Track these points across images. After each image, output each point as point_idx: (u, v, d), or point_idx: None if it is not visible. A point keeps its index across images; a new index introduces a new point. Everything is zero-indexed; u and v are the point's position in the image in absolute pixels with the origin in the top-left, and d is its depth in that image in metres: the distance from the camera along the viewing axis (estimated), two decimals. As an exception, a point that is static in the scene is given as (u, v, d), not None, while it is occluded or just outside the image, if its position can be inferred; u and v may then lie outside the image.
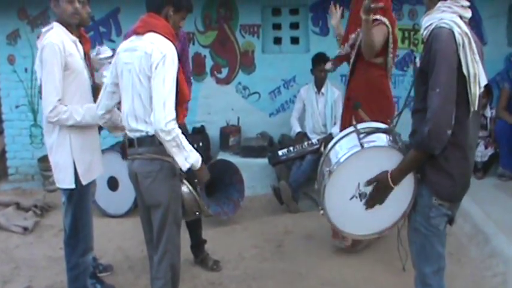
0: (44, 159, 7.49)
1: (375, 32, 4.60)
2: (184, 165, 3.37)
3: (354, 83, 5.02)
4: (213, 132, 7.77)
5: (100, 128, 4.16)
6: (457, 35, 2.63)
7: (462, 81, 2.66)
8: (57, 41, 3.71)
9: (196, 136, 7.34)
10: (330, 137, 6.58)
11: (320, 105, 7.06)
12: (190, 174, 3.63)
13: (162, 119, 3.23)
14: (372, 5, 4.17)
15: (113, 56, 4.24)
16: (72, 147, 3.86)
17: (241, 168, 6.32)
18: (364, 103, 4.87)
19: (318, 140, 6.67)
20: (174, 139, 3.28)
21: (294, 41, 7.89)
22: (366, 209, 2.92)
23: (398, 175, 2.80)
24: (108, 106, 3.70)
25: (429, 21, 2.78)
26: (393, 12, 5.08)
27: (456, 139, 2.71)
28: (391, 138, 2.93)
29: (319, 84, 7.07)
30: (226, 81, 7.95)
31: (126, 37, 3.88)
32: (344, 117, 5.21)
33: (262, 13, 7.79)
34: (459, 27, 2.67)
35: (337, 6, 5.43)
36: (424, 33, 2.80)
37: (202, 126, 7.77)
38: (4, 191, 7.75)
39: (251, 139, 7.60)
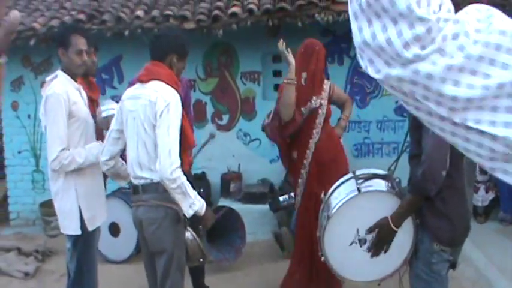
0: (45, 205, 7.52)
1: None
2: (189, 212, 3.39)
3: (322, 146, 4.90)
4: (214, 179, 7.78)
5: (106, 176, 4.20)
6: None
7: None
8: (61, 90, 3.76)
9: (197, 182, 7.31)
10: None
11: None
12: (193, 221, 3.65)
13: (168, 167, 3.26)
14: None
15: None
16: (77, 194, 3.88)
17: (242, 215, 6.33)
18: (336, 159, 4.91)
19: (318, 186, 6.68)
20: (179, 187, 3.31)
21: (295, 87, 7.92)
22: (372, 256, 2.94)
23: (398, 219, 2.82)
24: (112, 152, 3.73)
25: None
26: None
27: (453, 181, 2.74)
28: (389, 183, 2.97)
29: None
30: (227, 127, 8.01)
31: (131, 85, 3.94)
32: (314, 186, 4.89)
33: (262, 60, 7.88)
34: None
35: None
36: None
37: (203, 172, 7.79)
38: (5, 236, 7.73)
39: (252, 185, 7.63)
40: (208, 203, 7.04)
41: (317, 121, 4.88)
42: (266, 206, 6.96)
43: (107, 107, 4.15)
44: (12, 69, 8.14)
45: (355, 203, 2.91)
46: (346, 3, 6.38)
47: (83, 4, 7.89)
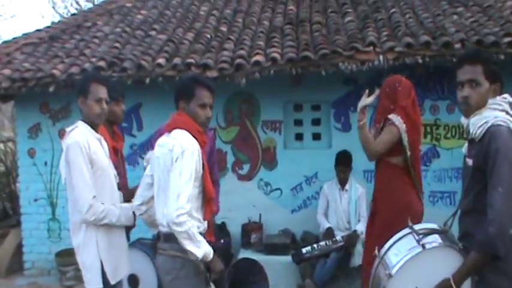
0: (61, 254, 7.42)
1: (382, 133, 4.67)
2: (197, 254, 3.33)
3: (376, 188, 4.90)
4: (235, 229, 7.61)
5: (129, 227, 4.11)
6: None
7: None
8: (81, 139, 3.72)
9: (218, 233, 7.19)
10: (354, 234, 6.51)
11: (344, 202, 6.96)
12: (217, 278, 3.57)
13: (174, 211, 3.25)
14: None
15: None
16: (99, 247, 3.81)
17: (263, 266, 6.17)
18: (382, 206, 4.71)
19: (342, 237, 6.56)
20: (185, 231, 3.28)
21: (316, 137, 7.88)
22: None
23: (461, 279, 2.71)
24: (144, 197, 3.75)
25: (482, 119, 2.74)
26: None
27: None
28: (448, 239, 2.86)
29: (342, 181, 7.02)
30: (248, 177, 7.89)
31: (157, 133, 3.94)
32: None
33: (284, 109, 7.83)
34: None
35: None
36: (477, 131, 2.75)
37: (223, 222, 7.62)
38: (19, 285, 7.64)
39: (273, 236, 7.46)
40: (229, 254, 6.97)
41: None
42: (288, 257, 6.79)
43: None
44: (30, 116, 8.13)
45: (419, 259, 2.80)
46: (370, 53, 6.35)
47: (103, 51, 7.86)
